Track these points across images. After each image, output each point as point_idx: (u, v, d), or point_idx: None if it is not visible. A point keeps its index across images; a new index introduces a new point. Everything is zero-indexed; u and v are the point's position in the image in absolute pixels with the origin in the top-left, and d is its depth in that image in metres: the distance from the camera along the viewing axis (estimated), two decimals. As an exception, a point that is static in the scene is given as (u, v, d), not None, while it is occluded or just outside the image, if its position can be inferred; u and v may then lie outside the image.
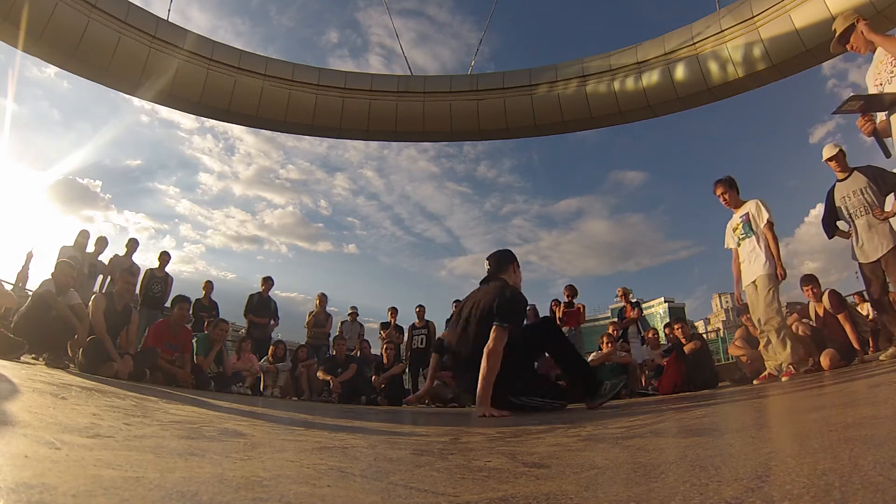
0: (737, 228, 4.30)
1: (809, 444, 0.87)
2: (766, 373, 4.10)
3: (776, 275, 3.96)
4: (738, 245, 4.29)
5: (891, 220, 3.70)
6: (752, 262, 4.14)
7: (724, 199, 4.35)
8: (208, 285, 7.65)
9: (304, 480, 0.72)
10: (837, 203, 4.12)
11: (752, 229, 4.16)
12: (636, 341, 6.88)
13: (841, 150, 4.17)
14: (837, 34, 3.04)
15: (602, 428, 1.68)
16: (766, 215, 4.08)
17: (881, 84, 2.81)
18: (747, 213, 4.20)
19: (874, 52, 2.90)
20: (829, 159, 4.17)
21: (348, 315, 8.37)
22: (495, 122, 10.01)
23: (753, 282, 4.11)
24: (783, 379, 3.78)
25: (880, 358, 3.99)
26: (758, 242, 4.09)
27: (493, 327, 2.74)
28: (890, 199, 3.80)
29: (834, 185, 4.18)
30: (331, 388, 6.08)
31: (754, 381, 4.23)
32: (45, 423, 1.08)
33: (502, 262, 3.23)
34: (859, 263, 4.00)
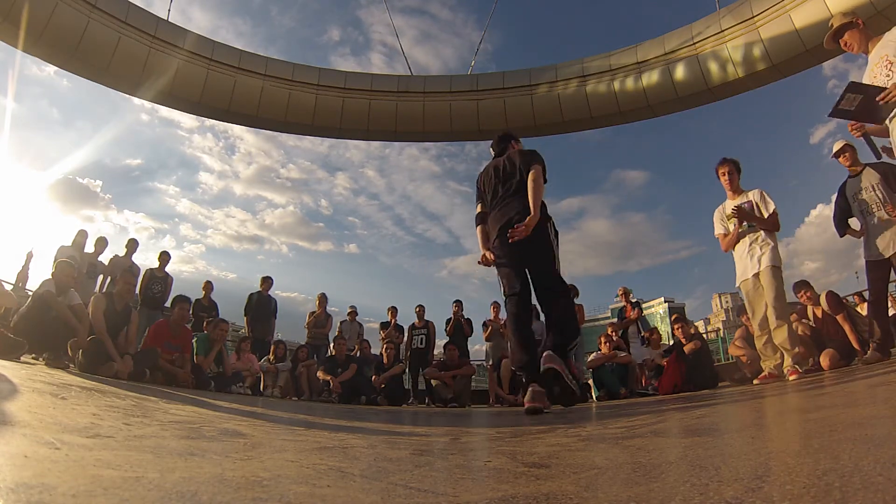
0: (731, 217, 4.14)
1: (809, 444, 0.87)
2: (765, 372, 4.02)
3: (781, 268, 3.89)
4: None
5: None
6: (752, 256, 3.99)
7: (727, 180, 4.20)
8: (208, 285, 7.65)
9: (304, 480, 0.72)
10: (849, 199, 4.03)
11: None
12: (636, 341, 6.88)
13: (849, 145, 4.07)
14: (833, 29, 3.02)
15: (602, 428, 1.68)
16: (772, 205, 3.99)
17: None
18: (749, 201, 4.06)
19: (869, 53, 2.90)
20: (838, 154, 4.08)
21: (347, 314, 8.33)
22: (495, 122, 10.00)
23: (756, 275, 4.00)
24: (790, 378, 3.67)
25: (860, 362, 3.96)
26: (762, 234, 3.96)
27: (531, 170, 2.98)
28: None
29: (845, 182, 4.09)
30: (331, 388, 6.08)
31: (755, 381, 4.15)
32: (45, 423, 1.08)
33: (503, 141, 3.41)
34: (867, 261, 3.92)
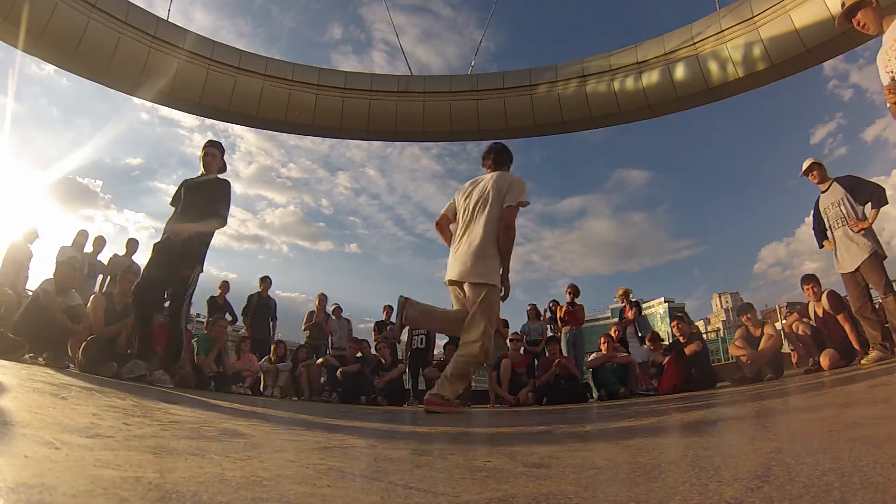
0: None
1: (809, 444, 0.87)
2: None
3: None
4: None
5: (868, 228, 3.82)
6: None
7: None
8: (224, 285, 7.55)
9: (304, 480, 0.72)
10: (822, 214, 4.27)
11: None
12: (635, 341, 6.87)
13: (816, 163, 4.32)
14: (845, 8, 2.97)
15: (602, 428, 1.68)
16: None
17: (892, 71, 2.76)
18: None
19: (883, 34, 2.84)
20: (807, 172, 4.32)
21: (332, 312, 8.05)
22: (495, 122, 10.00)
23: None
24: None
25: (862, 363, 4.00)
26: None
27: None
28: (868, 206, 3.94)
29: (819, 197, 4.33)
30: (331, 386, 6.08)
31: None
32: (45, 423, 1.08)
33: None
34: (840, 273, 4.12)
